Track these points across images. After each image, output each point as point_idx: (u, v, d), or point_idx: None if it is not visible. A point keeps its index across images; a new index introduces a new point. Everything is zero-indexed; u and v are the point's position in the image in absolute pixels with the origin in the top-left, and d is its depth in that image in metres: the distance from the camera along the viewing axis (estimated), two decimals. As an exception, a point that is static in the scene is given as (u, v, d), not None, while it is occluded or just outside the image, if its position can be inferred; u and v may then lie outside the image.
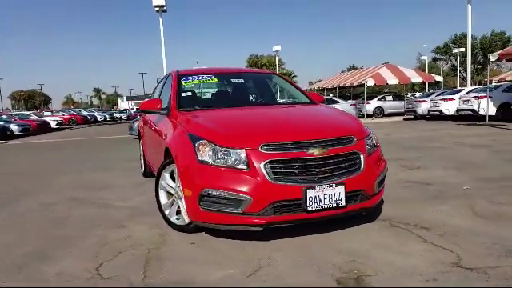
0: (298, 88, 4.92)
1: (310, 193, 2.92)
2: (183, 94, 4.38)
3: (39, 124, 24.86)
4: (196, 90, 4.72)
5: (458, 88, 24.06)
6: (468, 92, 17.62)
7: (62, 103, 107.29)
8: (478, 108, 15.75)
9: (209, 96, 4.73)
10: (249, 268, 2.72)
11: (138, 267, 2.81)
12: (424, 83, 30.63)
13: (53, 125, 27.89)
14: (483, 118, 15.27)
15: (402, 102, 23.86)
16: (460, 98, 17.19)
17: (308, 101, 4.54)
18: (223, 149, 3.05)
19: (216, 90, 4.83)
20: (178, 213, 3.57)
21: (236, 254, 3.00)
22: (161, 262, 2.89)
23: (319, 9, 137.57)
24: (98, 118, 39.29)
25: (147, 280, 2.62)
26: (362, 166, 3.19)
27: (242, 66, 61.10)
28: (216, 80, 4.72)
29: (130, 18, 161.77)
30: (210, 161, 3.06)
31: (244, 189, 2.92)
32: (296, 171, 2.97)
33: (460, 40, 54.94)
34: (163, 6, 23.56)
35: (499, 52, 15.81)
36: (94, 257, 3.06)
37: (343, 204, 3.04)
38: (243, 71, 5.16)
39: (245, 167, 2.97)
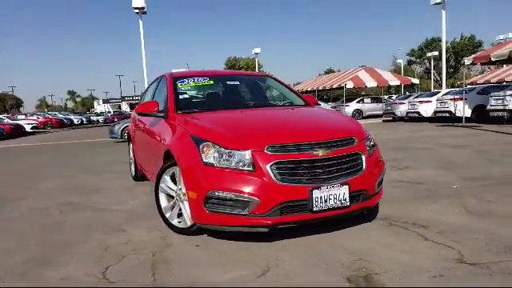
0: (292, 90, 4.97)
1: (316, 193, 2.97)
2: (180, 97, 4.37)
3: (13, 128, 24.18)
4: (192, 93, 4.71)
5: (435, 90, 24.70)
6: (445, 94, 18.13)
7: (35, 106, 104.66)
8: (455, 110, 16.22)
9: (206, 98, 4.72)
10: (258, 269, 2.73)
11: (145, 271, 2.79)
12: (399, 86, 31.31)
13: (27, 128, 27.23)
14: (459, 119, 15.73)
15: (380, 104, 24.33)
16: (437, 100, 17.67)
17: (303, 103, 4.59)
18: (228, 151, 3.07)
19: (212, 92, 4.82)
20: (179, 215, 3.56)
21: (242, 255, 3.01)
22: (168, 265, 2.88)
23: (298, 11, 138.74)
24: (75, 122, 38.62)
25: (157, 283, 2.61)
26: (364, 167, 3.26)
27: (221, 68, 61.04)
28: (212, 82, 4.73)
29: (106, 18, 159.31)
30: (215, 163, 3.07)
31: (251, 190, 2.94)
32: (301, 172, 3.01)
33: (432, 44, 56.28)
34: (143, 8, 23.35)
35: (473, 56, 16.36)
36: (97, 261, 3.01)
37: (347, 204, 3.09)
38: (237, 73, 5.19)
39: (251, 169, 2.99)
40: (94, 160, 9.88)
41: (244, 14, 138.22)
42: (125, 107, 79.91)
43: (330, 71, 62.68)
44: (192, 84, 4.55)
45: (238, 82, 4.99)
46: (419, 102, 18.97)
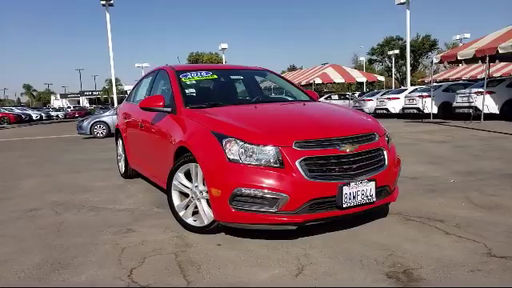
0: (294, 84, 4.91)
1: (345, 189, 2.94)
2: (186, 91, 4.21)
3: (-32, 123, 22.82)
4: (196, 87, 4.54)
5: (402, 88, 25.45)
6: (412, 91, 18.69)
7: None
8: (423, 107, 16.76)
9: (212, 93, 4.56)
10: (293, 267, 2.67)
11: (173, 273, 2.66)
12: (360, 84, 32.26)
13: (-17, 124, 25.76)
14: (427, 115, 16.26)
15: (347, 101, 24.81)
16: (405, 97, 18.20)
17: (308, 98, 4.55)
18: (254, 146, 2.97)
19: (217, 86, 4.66)
20: (194, 214, 3.44)
21: (270, 253, 2.93)
22: (196, 266, 2.75)
23: (259, 9, 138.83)
24: (34, 117, 36.79)
25: (192, 285, 2.49)
26: (386, 162, 3.27)
27: (184, 63, 60.15)
28: (215, 76, 4.58)
29: (66, 9, 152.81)
30: (241, 159, 2.97)
31: (280, 187, 2.86)
32: (330, 168, 2.97)
33: (391, 42, 57.94)
34: (110, 0, 22.49)
35: (441, 55, 16.97)
36: (117, 264, 2.84)
37: (374, 200, 3.09)
38: (238, 68, 5.05)
39: (279, 165, 2.92)
40: (69, 157, 9.44)
41: (209, 9, 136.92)
42: (84, 102, 77.44)
43: (293, 68, 63.32)
44: (196, 78, 4.39)
45: (241, 77, 4.88)
46: (387, 98, 19.49)
